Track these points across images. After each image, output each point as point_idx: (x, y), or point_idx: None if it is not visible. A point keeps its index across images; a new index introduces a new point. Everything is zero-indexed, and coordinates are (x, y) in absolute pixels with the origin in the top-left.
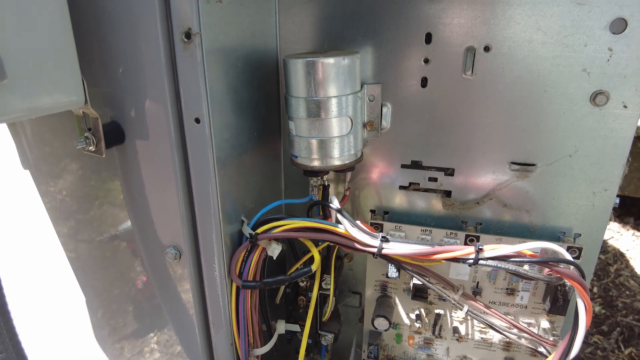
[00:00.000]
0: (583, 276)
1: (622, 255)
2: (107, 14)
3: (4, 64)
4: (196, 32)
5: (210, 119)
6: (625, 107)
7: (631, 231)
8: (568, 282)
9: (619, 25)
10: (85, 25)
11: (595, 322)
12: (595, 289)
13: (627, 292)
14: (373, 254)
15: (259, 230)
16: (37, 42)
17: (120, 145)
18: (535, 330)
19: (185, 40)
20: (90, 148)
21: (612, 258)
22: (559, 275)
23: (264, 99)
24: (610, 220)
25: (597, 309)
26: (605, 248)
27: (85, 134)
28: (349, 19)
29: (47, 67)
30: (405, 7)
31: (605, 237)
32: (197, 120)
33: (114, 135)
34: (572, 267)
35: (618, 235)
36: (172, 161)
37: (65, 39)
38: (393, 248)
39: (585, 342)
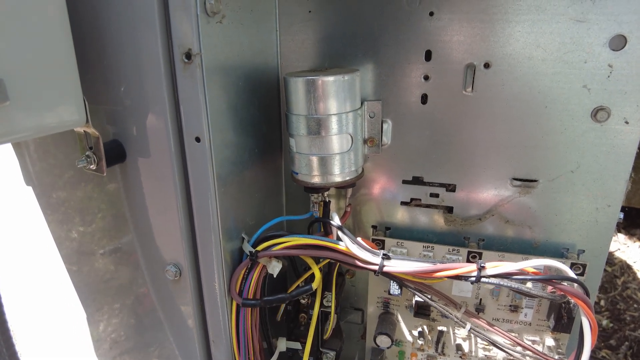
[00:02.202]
0: (587, 294)
1: (629, 267)
2: (109, 34)
3: (6, 86)
4: (196, 52)
5: (210, 138)
6: (626, 122)
7: (638, 243)
8: (572, 300)
9: (618, 42)
10: (87, 45)
11: (603, 336)
12: (602, 302)
13: (635, 305)
14: (374, 271)
15: (260, 247)
16: (38, 63)
17: (122, 164)
18: (539, 348)
19: (186, 60)
20: (91, 167)
21: (618, 270)
22: (562, 293)
23: (264, 117)
24: (616, 234)
25: (604, 322)
26: (611, 260)
27: (87, 153)
28: (349, 37)
29: (48, 88)
30: (405, 25)
31: (612, 249)
32: (198, 139)
33: (115, 153)
34: (576, 284)
35: (625, 247)
36: (173, 179)
37: (66, 59)
38: (394, 266)
39: (593, 357)
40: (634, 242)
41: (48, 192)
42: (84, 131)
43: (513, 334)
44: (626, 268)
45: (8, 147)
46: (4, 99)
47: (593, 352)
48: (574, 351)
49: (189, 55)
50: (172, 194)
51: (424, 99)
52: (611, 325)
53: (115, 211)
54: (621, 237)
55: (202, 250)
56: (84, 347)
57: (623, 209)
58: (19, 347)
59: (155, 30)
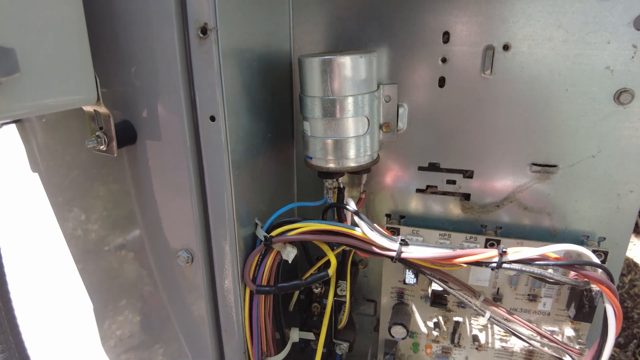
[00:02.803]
0: (612, 280)
1: (635, 265)
2: (122, 10)
3: (17, 57)
4: (212, 27)
5: (225, 117)
6: None
7: None
8: (595, 287)
9: None
10: (99, 22)
11: None
12: None
13: None
14: (392, 257)
15: (274, 233)
16: (50, 38)
17: (131, 147)
18: (559, 339)
19: (202, 35)
20: (101, 147)
21: (625, 268)
22: (586, 279)
23: (277, 101)
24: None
25: None
26: None
27: (97, 133)
28: (364, 19)
29: (59, 64)
30: (422, 6)
31: None
32: (212, 118)
33: (126, 134)
34: (599, 270)
35: (631, 245)
36: (186, 162)
37: (78, 36)
38: (413, 252)
39: None
40: None
41: (55, 178)
42: (95, 110)
43: (533, 324)
44: (633, 266)
45: (15, 134)
46: (15, 69)
47: None
48: (598, 339)
49: (204, 30)
50: (185, 176)
51: (442, 82)
52: None
53: (124, 198)
54: None
55: (215, 236)
56: (91, 343)
57: None
58: (27, 344)
59: (170, 5)
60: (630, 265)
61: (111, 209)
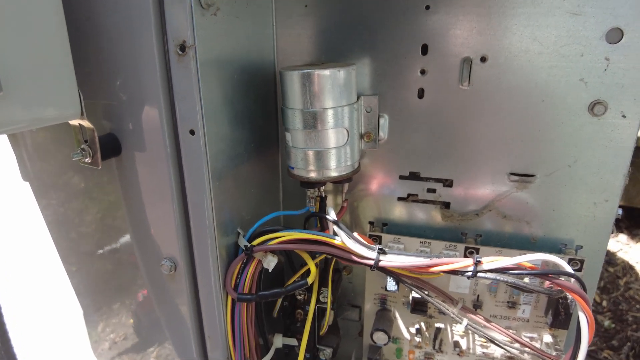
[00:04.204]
0: (584, 289)
1: (631, 267)
2: (104, 28)
3: (0, 77)
4: (190, 44)
5: (205, 131)
6: (624, 116)
7: None
8: (570, 295)
9: (614, 35)
10: (81, 38)
11: (605, 337)
12: (604, 303)
13: (638, 306)
14: (370, 266)
15: (255, 242)
16: (33, 55)
17: (117, 157)
18: (538, 345)
19: (180, 52)
20: (86, 160)
21: (621, 271)
22: (560, 288)
23: (261, 111)
24: (613, 232)
25: (606, 323)
26: (614, 261)
27: (82, 146)
28: (346, 32)
29: (43, 80)
30: (402, 18)
31: (614, 249)
32: (192, 132)
33: (111, 147)
34: (573, 279)
35: (627, 248)
36: (168, 172)
37: (61, 52)
38: (390, 260)
39: (595, 358)
40: (636, 242)
41: (46, 188)
42: (79, 124)
43: (511, 331)
44: (628, 269)
45: (7, 148)
46: None
47: (595, 353)
48: (571, 348)
49: (183, 48)
50: (167, 188)
51: (421, 93)
52: (613, 326)
53: (113, 206)
54: (623, 238)
55: (197, 245)
56: (82, 347)
57: (625, 209)
58: (17, 348)
59: (150, 23)
60: (625, 267)
61: (105, 211)
